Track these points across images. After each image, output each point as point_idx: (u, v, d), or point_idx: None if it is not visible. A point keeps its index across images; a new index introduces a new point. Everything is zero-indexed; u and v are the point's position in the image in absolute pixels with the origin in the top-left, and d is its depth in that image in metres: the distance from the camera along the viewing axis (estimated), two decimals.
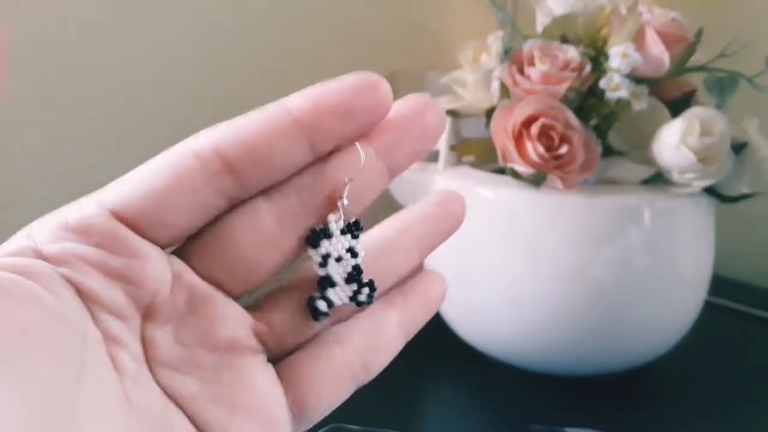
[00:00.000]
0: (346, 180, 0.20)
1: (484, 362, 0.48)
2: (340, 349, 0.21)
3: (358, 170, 0.20)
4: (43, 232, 0.18)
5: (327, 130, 0.19)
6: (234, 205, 0.20)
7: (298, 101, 0.19)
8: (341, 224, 0.20)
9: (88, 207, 0.18)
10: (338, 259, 0.20)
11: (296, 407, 0.20)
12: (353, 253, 0.20)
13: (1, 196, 0.50)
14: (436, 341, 0.51)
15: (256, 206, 0.20)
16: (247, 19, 0.60)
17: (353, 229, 0.20)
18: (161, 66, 0.56)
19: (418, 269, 0.23)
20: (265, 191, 0.20)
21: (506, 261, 0.44)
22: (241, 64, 0.60)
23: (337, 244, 0.20)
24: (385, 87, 0.19)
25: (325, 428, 0.36)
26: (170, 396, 0.19)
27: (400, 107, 0.20)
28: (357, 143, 0.20)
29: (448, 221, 0.22)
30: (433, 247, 0.22)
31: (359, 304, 0.21)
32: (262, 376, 0.20)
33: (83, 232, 0.18)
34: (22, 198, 0.51)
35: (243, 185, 0.19)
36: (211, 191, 0.19)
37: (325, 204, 0.20)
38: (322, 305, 0.20)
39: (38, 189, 0.52)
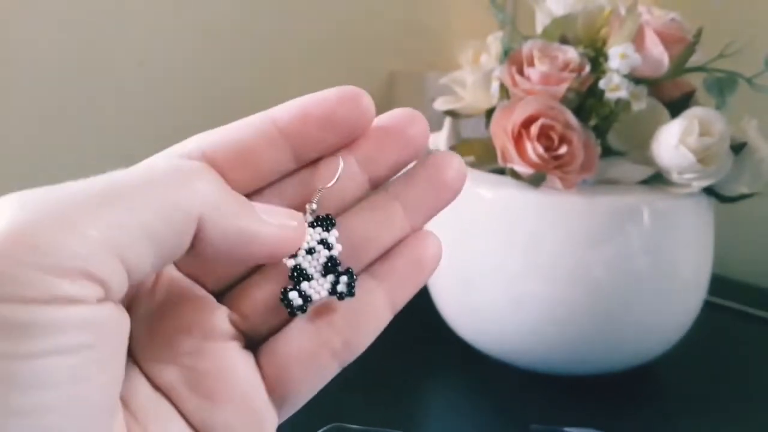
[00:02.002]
0: (319, 188, 0.20)
1: (484, 362, 0.48)
2: (316, 329, 0.20)
3: (335, 177, 0.20)
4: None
5: (311, 140, 0.20)
6: None
7: (284, 112, 0.20)
8: (309, 219, 0.20)
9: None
10: (310, 251, 0.20)
11: (275, 392, 0.20)
12: (327, 246, 0.20)
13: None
14: (436, 341, 0.51)
15: None
16: (247, 20, 0.60)
17: (324, 222, 0.21)
18: (161, 67, 0.56)
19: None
20: (248, 195, 0.20)
21: (506, 261, 0.44)
22: (241, 64, 0.60)
23: (306, 236, 0.20)
24: (367, 100, 0.20)
25: (325, 428, 0.36)
26: (153, 387, 0.19)
27: (383, 119, 0.21)
28: (339, 153, 0.21)
29: (441, 187, 0.21)
30: (426, 216, 0.22)
31: (340, 296, 0.20)
32: (240, 364, 0.20)
33: None
34: None
35: None
36: None
37: (303, 208, 0.21)
38: (294, 297, 0.20)
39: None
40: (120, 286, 0.16)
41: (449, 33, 0.72)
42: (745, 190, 0.44)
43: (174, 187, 0.17)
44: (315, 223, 0.20)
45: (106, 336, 0.15)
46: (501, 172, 0.43)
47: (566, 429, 0.39)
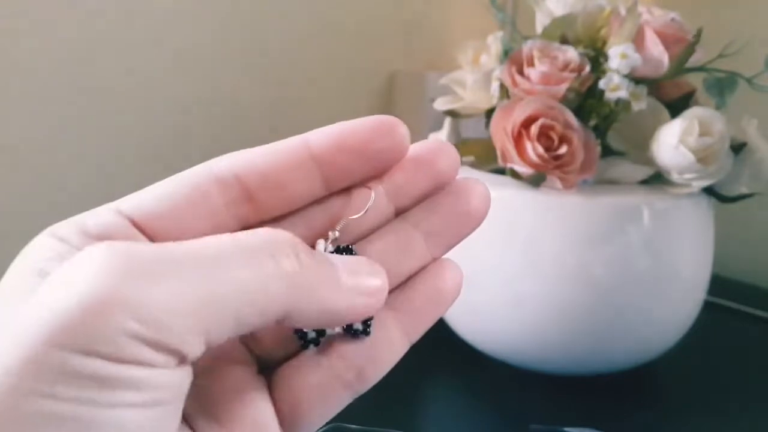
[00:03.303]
0: (347, 218, 0.20)
1: (484, 362, 0.48)
2: (329, 360, 0.20)
3: (364, 209, 0.20)
4: (67, 233, 0.18)
5: (344, 169, 0.20)
6: (244, 228, 0.20)
7: (319, 138, 0.20)
8: (330, 248, 0.20)
9: (107, 215, 0.19)
10: None
11: (286, 420, 0.20)
12: None
13: (1, 196, 0.50)
14: (436, 341, 0.51)
15: None
16: (247, 20, 0.60)
17: (343, 253, 0.20)
18: (161, 70, 0.56)
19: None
20: (275, 218, 0.20)
21: (506, 261, 0.44)
22: (241, 64, 0.60)
23: None
24: (403, 130, 0.20)
25: (325, 428, 0.36)
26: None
27: (415, 150, 0.21)
28: (370, 186, 0.20)
29: (464, 216, 0.21)
30: (448, 245, 0.21)
31: (354, 333, 0.20)
32: (252, 388, 0.20)
33: (102, 238, 0.18)
34: (22, 200, 0.51)
35: (258, 213, 0.20)
36: (228, 215, 0.19)
37: (326, 235, 0.20)
38: (309, 330, 0.20)
39: (36, 191, 0.52)
40: (196, 356, 0.16)
41: (449, 33, 0.73)
42: (745, 190, 0.44)
43: (265, 273, 0.16)
44: (335, 253, 0.20)
45: (176, 394, 0.16)
46: (501, 172, 0.43)
47: (566, 429, 0.39)
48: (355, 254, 0.20)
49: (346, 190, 0.21)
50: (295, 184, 0.20)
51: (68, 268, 0.15)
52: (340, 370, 0.20)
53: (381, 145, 0.20)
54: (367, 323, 0.20)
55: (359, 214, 0.20)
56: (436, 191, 0.21)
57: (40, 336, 0.14)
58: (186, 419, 0.19)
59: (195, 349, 0.15)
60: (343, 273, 0.18)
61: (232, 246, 0.16)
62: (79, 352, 0.14)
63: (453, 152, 0.21)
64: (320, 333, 0.20)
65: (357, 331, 0.20)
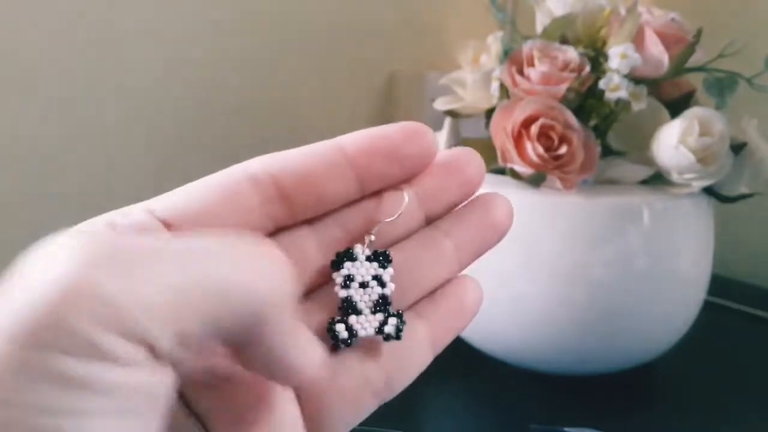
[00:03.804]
0: (381, 221, 0.21)
1: (484, 362, 0.48)
2: (361, 366, 0.20)
3: (397, 212, 0.21)
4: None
5: (377, 172, 0.20)
6: (278, 229, 0.20)
7: (353, 142, 0.20)
8: (367, 252, 0.20)
9: (138, 214, 0.18)
10: (363, 285, 0.20)
11: (313, 424, 0.20)
12: (381, 283, 0.20)
13: (1, 197, 0.50)
14: None
15: (300, 232, 0.20)
16: (247, 20, 0.60)
17: (381, 258, 0.20)
18: (161, 70, 0.56)
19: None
20: (309, 220, 0.20)
21: (506, 261, 0.44)
22: (241, 64, 0.60)
23: (360, 269, 0.20)
24: (431, 137, 0.20)
25: None
26: (188, 413, 0.19)
27: (443, 157, 0.21)
28: (404, 189, 0.21)
29: (490, 228, 0.22)
30: (474, 256, 0.22)
31: (386, 337, 0.20)
32: (277, 393, 0.19)
33: None
34: (22, 202, 0.51)
35: (292, 213, 0.20)
36: (263, 215, 0.19)
37: (362, 238, 0.21)
38: (341, 329, 0.20)
39: (37, 192, 0.52)
40: (165, 350, 0.15)
41: (449, 33, 0.72)
42: (745, 190, 0.44)
43: (252, 278, 0.16)
44: (371, 258, 0.20)
45: (152, 405, 0.15)
46: (501, 172, 0.43)
47: (566, 429, 0.39)
48: (391, 261, 0.21)
49: (377, 193, 0.21)
50: (330, 185, 0.20)
51: (38, 260, 0.15)
52: (370, 375, 0.20)
53: (411, 149, 0.20)
54: (399, 329, 0.20)
55: (394, 217, 0.21)
56: (465, 199, 0.21)
57: (5, 334, 0.13)
58: (208, 426, 0.19)
59: (163, 340, 0.14)
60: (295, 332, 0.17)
61: (214, 243, 0.16)
62: (46, 350, 0.13)
63: (479, 159, 0.21)
64: (352, 333, 0.20)
65: (389, 335, 0.20)
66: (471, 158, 0.21)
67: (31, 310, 0.13)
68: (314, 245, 0.21)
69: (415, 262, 0.21)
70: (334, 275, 0.20)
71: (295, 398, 0.20)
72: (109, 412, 0.14)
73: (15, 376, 0.13)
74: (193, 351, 0.15)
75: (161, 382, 0.15)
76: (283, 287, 0.16)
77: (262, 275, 0.16)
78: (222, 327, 0.15)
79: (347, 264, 0.20)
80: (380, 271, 0.20)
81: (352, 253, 0.20)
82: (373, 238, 0.21)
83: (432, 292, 0.21)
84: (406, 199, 0.21)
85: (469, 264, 0.22)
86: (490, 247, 0.22)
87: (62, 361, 0.13)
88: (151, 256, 0.15)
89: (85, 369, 0.13)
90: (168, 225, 0.19)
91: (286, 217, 0.20)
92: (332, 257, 0.21)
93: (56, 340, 0.13)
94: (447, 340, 0.21)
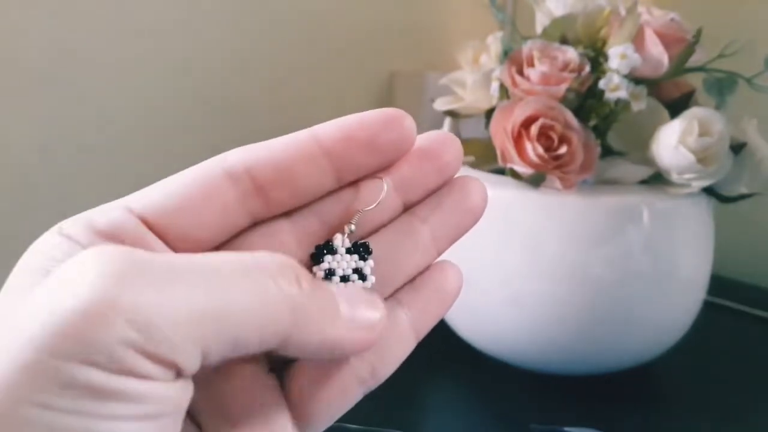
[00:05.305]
0: (361, 209, 0.20)
1: (484, 362, 0.48)
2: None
3: (375, 201, 0.20)
4: (74, 231, 0.18)
5: (353, 162, 0.20)
6: (256, 223, 0.20)
7: (327, 131, 0.20)
8: (347, 243, 0.20)
9: (116, 212, 0.18)
10: (344, 279, 0.20)
11: (299, 416, 0.20)
12: (361, 276, 0.20)
13: (1, 197, 0.50)
14: (435, 341, 0.51)
15: (277, 226, 0.20)
16: (247, 20, 0.60)
17: (361, 250, 0.20)
18: (161, 68, 0.56)
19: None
20: (287, 213, 0.20)
21: (506, 261, 0.44)
22: (241, 64, 0.60)
23: (342, 262, 0.20)
24: (409, 122, 0.20)
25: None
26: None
27: (420, 142, 0.21)
28: (382, 178, 0.21)
29: (466, 212, 0.21)
30: (450, 241, 0.22)
31: None
32: (264, 385, 0.19)
33: (111, 236, 0.18)
34: (21, 200, 0.51)
35: (269, 206, 0.20)
36: (240, 210, 0.19)
37: (341, 229, 0.21)
38: None
39: (36, 190, 0.52)
40: (192, 371, 0.15)
41: (449, 33, 0.73)
42: (745, 190, 0.44)
43: (267, 294, 0.16)
44: (351, 250, 0.20)
45: (175, 408, 0.15)
46: (501, 172, 0.43)
47: (566, 429, 0.40)
48: (371, 250, 0.20)
49: (354, 183, 0.21)
50: (306, 177, 0.20)
51: (68, 270, 0.15)
52: (354, 365, 0.20)
53: (388, 137, 0.20)
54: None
55: (373, 206, 0.20)
56: (441, 183, 0.21)
57: (35, 342, 0.14)
58: (195, 420, 0.19)
59: (191, 362, 0.15)
60: (342, 302, 0.18)
61: (235, 264, 0.16)
62: (74, 361, 0.14)
63: (457, 143, 0.21)
64: None
65: None
66: (448, 143, 0.21)
67: (63, 321, 0.14)
68: (293, 238, 0.20)
69: (394, 251, 0.21)
70: (315, 269, 0.20)
71: (281, 393, 0.20)
72: (137, 416, 0.14)
73: (49, 383, 0.13)
74: (215, 366, 0.16)
75: (185, 391, 0.16)
76: (301, 293, 0.17)
77: (280, 290, 0.16)
78: (248, 348, 0.16)
79: (327, 257, 0.20)
80: (360, 263, 0.20)
81: (332, 246, 0.20)
82: (353, 227, 0.20)
83: (412, 280, 0.21)
84: (385, 187, 0.20)
85: (446, 249, 0.22)
86: (466, 232, 0.22)
87: (92, 373, 0.14)
88: (175, 274, 0.15)
89: (114, 381, 0.14)
90: (146, 221, 0.18)
91: (264, 210, 0.20)
92: (312, 250, 0.20)
93: (86, 352, 0.14)
94: (429, 326, 0.21)
